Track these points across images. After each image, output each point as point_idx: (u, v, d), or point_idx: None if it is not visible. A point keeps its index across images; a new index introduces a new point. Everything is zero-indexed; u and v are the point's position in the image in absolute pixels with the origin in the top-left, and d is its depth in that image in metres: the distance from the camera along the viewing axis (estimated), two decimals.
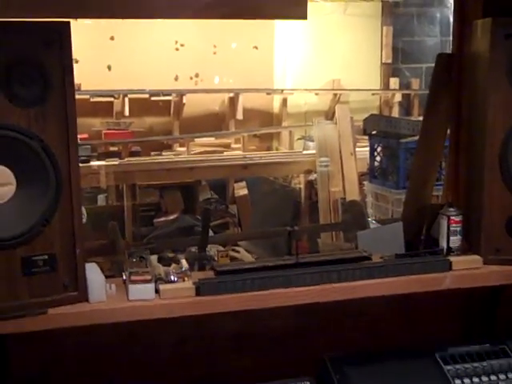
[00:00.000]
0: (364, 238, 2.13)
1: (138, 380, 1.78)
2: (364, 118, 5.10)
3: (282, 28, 7.63)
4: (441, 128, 2.07)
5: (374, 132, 4.92)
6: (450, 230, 1.84)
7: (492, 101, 1.79)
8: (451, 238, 1.84)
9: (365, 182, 5.10)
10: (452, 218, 1.84)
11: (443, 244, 1.85)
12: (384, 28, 8.03)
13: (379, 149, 4.90)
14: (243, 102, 7.26)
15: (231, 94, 7.29)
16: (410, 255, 1.82)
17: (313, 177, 5.81)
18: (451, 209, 1.87)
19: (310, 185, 5.85)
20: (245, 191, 6.22)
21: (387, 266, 1.75)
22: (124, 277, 1.66)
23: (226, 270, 1.72)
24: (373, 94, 7.81)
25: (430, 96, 2.09)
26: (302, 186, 5.95)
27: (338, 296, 1.72)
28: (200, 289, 1.64)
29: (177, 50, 7.24)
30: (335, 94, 7.65)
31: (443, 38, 7.82)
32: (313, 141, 6.10)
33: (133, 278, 1.62)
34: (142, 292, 1.61)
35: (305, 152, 6.33)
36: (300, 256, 1.76)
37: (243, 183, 6.32)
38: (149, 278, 1.62)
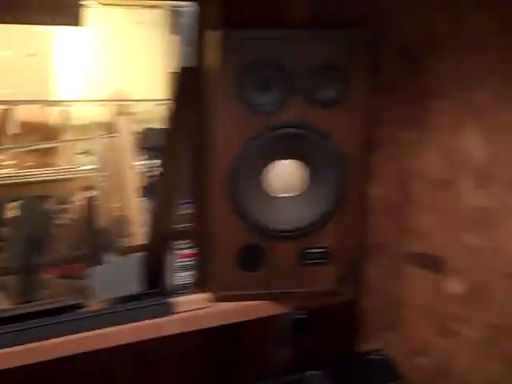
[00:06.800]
0: (99, 275, 1.88)
1: None
2: (139, 132, 4.86)
3: (63, 35, 7.20)
4: (182, 151, 1.86)
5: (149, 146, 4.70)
6: (176, 265, 1.64)
7: (221, 119, 1.60)
8: (178, 274, 1.64)
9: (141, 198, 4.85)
10: (178, 251, 1.64)
11: (171, 281, 1.64)
12: (171, 37, 7.88)
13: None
14: (19, 114, 6.74)
15: (4, 106, 6.74)
16: (129, 299, 1.58)
17: (92, 193, 5.48)
18: (180, 241, 1.66)
19: (90, 202, 5.50)
20: (17, 212, 5.73)
21: (99, 316, 1.50)
22: None
23: None
24: (156, 105, 7.62)
25: (170, 116, 1.88)
26: (80, 203, 5.59)
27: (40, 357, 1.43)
28: None
29: None
30: (119, 106, 7.36)
31: None
32: (94, 155, 5.78)
33: None
34: None
35: (85, 168, 5.98)
36: None
37: (17, 203, 5.83)
38: None
